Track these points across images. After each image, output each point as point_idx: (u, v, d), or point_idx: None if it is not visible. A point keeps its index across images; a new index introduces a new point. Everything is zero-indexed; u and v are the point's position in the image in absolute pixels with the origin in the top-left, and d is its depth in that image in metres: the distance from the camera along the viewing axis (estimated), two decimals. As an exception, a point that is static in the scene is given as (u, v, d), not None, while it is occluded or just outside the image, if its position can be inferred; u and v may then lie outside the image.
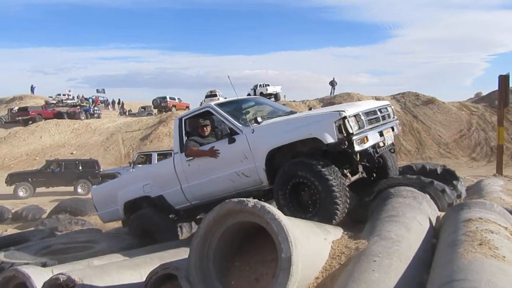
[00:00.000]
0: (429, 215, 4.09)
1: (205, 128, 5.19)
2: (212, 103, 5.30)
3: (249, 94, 36.63)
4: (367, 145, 4.23)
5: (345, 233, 3.82)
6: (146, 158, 17.20)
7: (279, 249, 2.56)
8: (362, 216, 4.52)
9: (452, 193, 4.87)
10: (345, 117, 4.05)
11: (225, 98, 35.68)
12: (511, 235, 3.35)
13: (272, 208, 2.73)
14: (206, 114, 5.25)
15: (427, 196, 4.54)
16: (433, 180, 4.85)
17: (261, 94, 35.15)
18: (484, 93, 31.58)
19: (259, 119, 4.65)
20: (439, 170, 5.74)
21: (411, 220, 3.72)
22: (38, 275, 3.61)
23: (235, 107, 5.38)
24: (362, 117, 4.31)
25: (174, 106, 38.33)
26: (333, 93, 36.12)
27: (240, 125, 4.77)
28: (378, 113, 4.72)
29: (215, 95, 36.11)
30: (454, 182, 5.47)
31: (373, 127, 4.48)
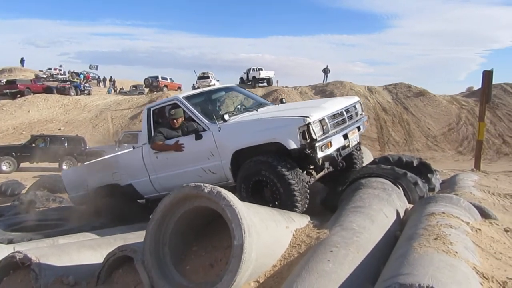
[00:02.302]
0: (397, 208, 4.09)
1: (175, 121, 5.08)
2: (180, 96, 5.24)
3: (241, 78, 36.41)
4: (330, 150, 4.26)
5: (311, 222, 3.82)
6: (132, 138, 17.08)
7: (233, 236, 2.54)
8: (333, 205, 4.53)
9: (424, 186, 4.88)
10: (309, 123, 4.02)
11: (218, 80, 35.44)
12: (472, 230, 3.38)
13: (228, 194, 2.69)
14: (175, 106, 5.17)
15: (398, 188, 4.55)
16: (407, 172, 4.85)
17: (254, 78, 34.97)
18: (476, 87, 31.70)
19: (226, 117, 4.63)
20: (415, 163, 5.72)
21: (377, 211, 3.72)
22: (-2, 252, 3.58)
23: (204, 100, 5.35)
24: (327, 121, 4.28)
25: (165, 86, 37.94)
26: (326, 80, 36.05)
27: (207, 122, 4.75)
28: (345, 114, 4.72)
29: (208, 77, 35.76)
30: (429, 175, 5.49)
31: (338, 130, 4.48)
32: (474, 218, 3.76)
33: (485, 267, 2.72)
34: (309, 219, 3.90)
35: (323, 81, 35.94)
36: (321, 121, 4.20)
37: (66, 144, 18.79)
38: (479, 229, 3.45)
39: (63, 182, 6.65)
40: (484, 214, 4.08)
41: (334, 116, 4.48)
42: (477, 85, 31.90)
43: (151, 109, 5.37)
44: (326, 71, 36.57)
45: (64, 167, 17.98)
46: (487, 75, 8.97)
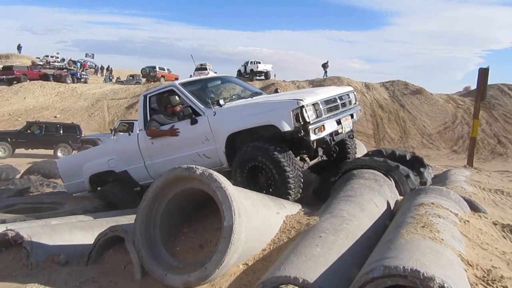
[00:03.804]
0: (388, 198, 4.13)
1: (172, 108, 5.18)
2: (177, 82, 5.28)
3: (239, 70, 36.32)
4: (323, 133, 4.28)
5: (302, 209, 3.86)
6: (128, 126, 17.00)
7: (223, 217, 2.57)
8: (326, 195, 4.57)
9: (416, 179, 4.92)
10: (302, 106, 4.07)
11: (215, 72, 35.36)
12: (460, 222, 3.43)
13: (220, 176, 2.72)
14: (171, 93, 5.22)
15: (390, 180, 4.59)
16: (399, 164, 4.90)
17: (252, 71, 34.91)
18: (473, 87, 31.68)
19: (221, 102, 4.68)
20: (408, 157, 5.76)
21: (367, 201, 3.76)
22: (-11, 230, 3.58)
23: (200, 87, 5.39)
24: (321, 106, 4.32)
25: (163, 76, 37.83)
26: (326, 75, 36.00)
27: (203, 107, 4.78)
28: (338, 100, 4.76)
29: (205, 69, 35.64)
30: (421, 169, 5.52)
31: (331, 116, 4.52)
32: (463, 211, 3.80)
33: (471, 255, 2.77)
34: (300, 206, 3.94)
35: (323, 76, 35.91)
36: (314, 105, 4.24)
37: (61, 131, 18.73)
38: (468, 221, 3.50)
39: (58, 170, 6.67)
40: (474, 207, 4.13)
41: (327, 101, 4.53)
42: (474, 85, 31.79)
43: (148, 96, 5.41)
44: (325, 66, 36.55)
45: (59, 154, 17.98)
46: (483, 73, 9.03)
